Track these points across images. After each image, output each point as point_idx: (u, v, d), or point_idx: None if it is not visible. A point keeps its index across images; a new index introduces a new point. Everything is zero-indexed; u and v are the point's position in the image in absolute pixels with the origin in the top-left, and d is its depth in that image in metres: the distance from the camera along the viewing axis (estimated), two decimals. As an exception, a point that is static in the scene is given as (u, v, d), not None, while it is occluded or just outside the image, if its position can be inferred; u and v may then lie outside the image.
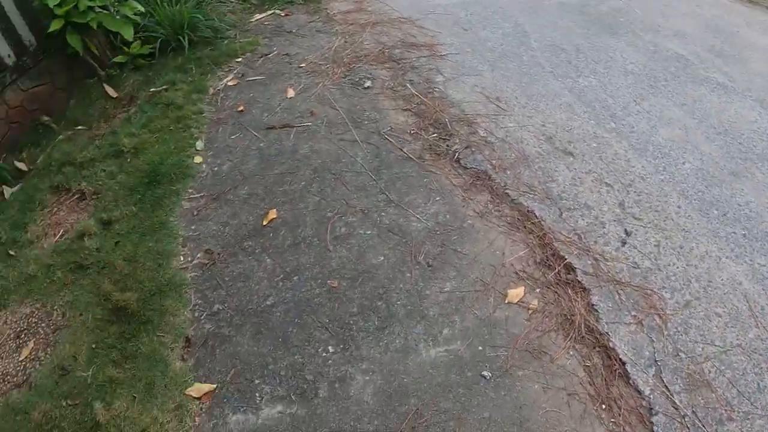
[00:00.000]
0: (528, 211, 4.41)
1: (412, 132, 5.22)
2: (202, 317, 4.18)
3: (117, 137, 5.69)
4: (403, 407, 3.47)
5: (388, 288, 4.05)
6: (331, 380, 3.68)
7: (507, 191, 4.56)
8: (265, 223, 4.64)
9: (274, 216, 4.66)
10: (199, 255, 4.53)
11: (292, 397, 3.64)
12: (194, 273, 4.42)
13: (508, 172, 4.69)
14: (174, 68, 6.48)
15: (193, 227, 4.74)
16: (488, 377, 3.41)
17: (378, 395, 3.55)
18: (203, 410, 3.73)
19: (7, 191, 5.81)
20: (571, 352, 3.58)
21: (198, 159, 5.32)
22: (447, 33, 6.67)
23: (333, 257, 4.29)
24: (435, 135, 5.16)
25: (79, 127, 6.19)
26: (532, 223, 4.30)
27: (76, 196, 5.37)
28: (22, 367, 4.29)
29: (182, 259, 4.52)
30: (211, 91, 6.14)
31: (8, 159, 6.06)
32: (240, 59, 6.58)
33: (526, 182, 4.62)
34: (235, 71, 6.43)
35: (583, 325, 3.66)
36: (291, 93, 5.89)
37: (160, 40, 6.28)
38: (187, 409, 3.72)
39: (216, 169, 5.23)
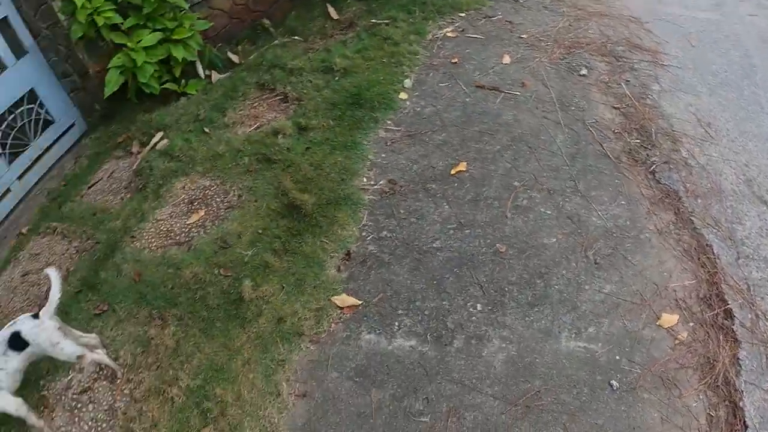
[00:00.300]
0: (707, 244, 4.06)
1: (615, 131, 4.94)
2: (368, 238, 4.14)
3: (330, 55, 5.75)
4: (526, 384, 3.34)
5: (550, 270, 3.87)
6: (469, 335, 3.58)
7: (692, 218, 4.22)
8: (453, 172, 4.53)
9: (463, 169, 4.54)
10: (381, 182, 4.49)
11: (428, 337, 3.59)
12: (372, 196, 4.39)
13: (699, 201, 4.34)
14: (398, 6, 6.49)
15: (383, 155, 4.71)
16: (615, 387, 3.25)
17: (507, 364, 3.43)
18: (341, 320, 3.75)
19: (216, 76, 6.05)
20: (701, 396, 3.28)
21: (403, 95, 5.28)
22: (673, 44, 6.25)
23: (508, 224, 4.13)
24: (637, 141, 4.86)
25: (296, 38, 6.33)
26: (708, 257, 3.96)
27: (279, 98, 5.49)
28: (187, 230, 4.45)
29: (365, 180, 4.51)
30: (429, 37, 6.09)
31: (223, 49, 6.29)
32: (463, 14, 6.49)
33: (714, 216, 4.26)
34: (456, 24, 6.33)
35: (721, 375, 3.33)
36: (507, 59, 5.72)
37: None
38: (327, 314, 3.77)
39: (418, 109, 5.17)
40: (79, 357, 3.49)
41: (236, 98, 5.60)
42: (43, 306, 3.42)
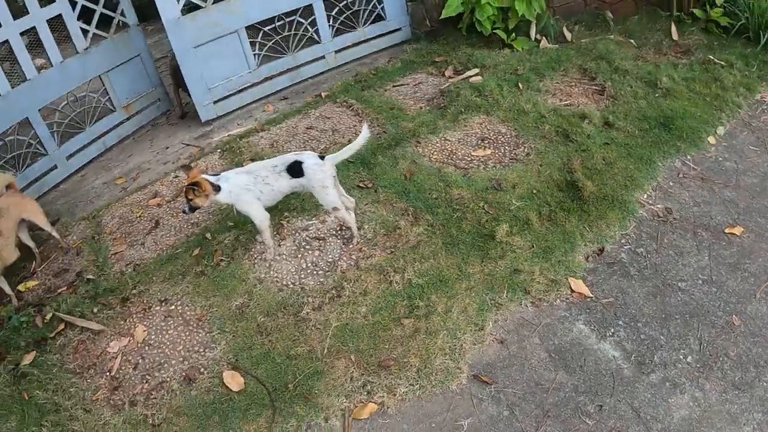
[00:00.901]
0: None
1: None
2: (625, 247, 4.20)
3: (657, 71, 5.75)
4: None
5: (771, 368, 3.64)
6: (667, 377, 3.45)
7: None
8: (727, 230, 4.38)
9: (738, 233, 4.29)
10: (659, 205, 4.50)
11: (633, 358, 3.54)
12: (645, 214, 4.42)
13: None
14: (739, 53, 6.18)
15: (671, 183, 4.70)
16: None
17: (684, 423, 3.20)
18: (567, 300, 3.86)
19: (544, 43, 6.29)
20: None
21: (712, 140, 5.17)
22: None
23: (753, 304, 3.69)
24: None
25: (631, 41, 6.37)
26: None
27: (596, 88, 5.61)
28: (468, 159, 4.81)
29: (645, 196, 4.54)
30: (758, 96, 5.86)
31: (559, 22, 6.50)
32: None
33: None
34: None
35: None
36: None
37: (740, 23, 6.07)
38: (557, 288, 3.90)
39: (720, 159, 5.06)
40: (335, 208, 3.96)
41: (556, 70, 5.79)
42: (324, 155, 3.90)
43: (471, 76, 5.73)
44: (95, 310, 4.14)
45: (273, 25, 6.24)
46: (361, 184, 4.62)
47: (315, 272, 4.05)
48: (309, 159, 3.83)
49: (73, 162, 6.23)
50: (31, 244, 4.82)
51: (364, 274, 3.91)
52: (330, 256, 4.12)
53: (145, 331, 3.93)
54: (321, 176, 3.82)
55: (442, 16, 6.11)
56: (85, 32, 6.09)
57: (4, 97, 5.53)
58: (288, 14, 6.24)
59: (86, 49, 6.07)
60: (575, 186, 4.40)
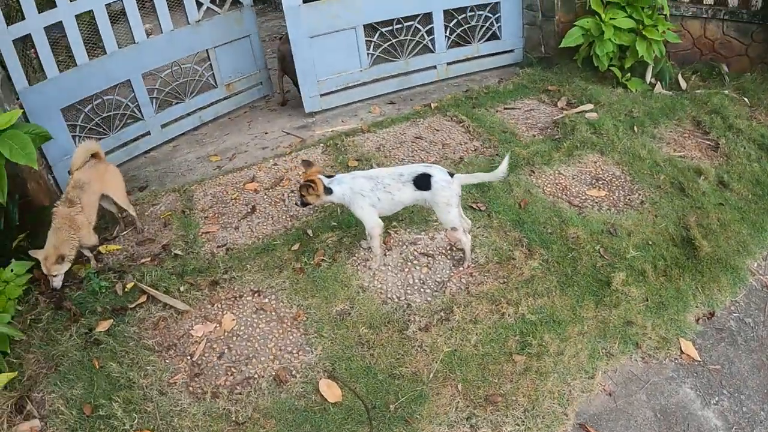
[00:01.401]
0: None
1: None
2: (734, 314, 4.10)
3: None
4: None
5: None
6: None
7: None
8: None
9: None
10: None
11: (734, 429, 3.44)
12: (755, 283, 4.32)
13: None
14: None
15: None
16: None
17: None
18: (676, 361, 3.75)
19: (658, 88, 6.20)
20: None
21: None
22: None
23: None
24: None
25: (744, 98, 6.22)
26: None
27: (709, 143, 5.50)
28: (583, 197, 4.79)
29: (755, 265, 4.44)
30: None
31: (674, 68, 6.40)
32: None
33: None
34: None
35: None
36: None
37: None
38: (667, 347, 3.79)
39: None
40: (453, 228, 3.89)
41: (671, 119, 5.69)
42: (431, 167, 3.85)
43: (586, 111, 5.64)
44: (181, 288, 4.10)
45: (391, 28, 6.20)
46: (473, 206, 4.56)
47: (422, 290, 3.99)
48: (438, 174, 3.76)
49: (168, 131, 6.26)
50: (113, 209, 4.78)
51: (475, 300, 3.85)
52: (438, 276, 4.06)
53: (234, 320, 3.87)
54: (447, 193, 3.76)
55: (562, 45, 6.04)
56: (199, 5, 6.06)
57: (110, 56, 5.56)
58: (407, 18, 6.21)
59: (198, 22, 6.08)
60: (691, 243, 4.30)
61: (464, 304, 3.84)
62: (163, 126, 6.27)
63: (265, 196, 4.98)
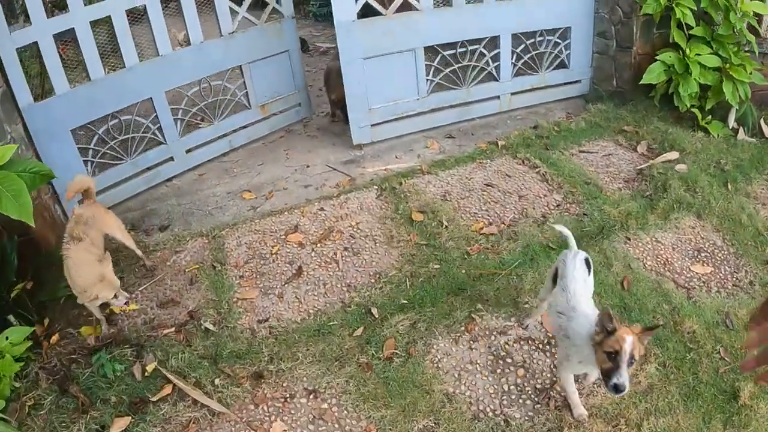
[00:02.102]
0: None
1: None
2: None
3: None
4: None
5: None
6: None
7: None
8: None
9: None
10: None
11: None
12: None
13: None
14: None
15: None
16: None
17: None
18: None
19: (741, 134, 5.57)
20: None
21: None
22: None
23: None
24: None
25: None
26: None
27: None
28: (687, 276, 4.09)
29: None
30: None
31: (757, 112, 5.72)
32: None
33: None
34: None
35: None
36: None
37: None
38: None
39: None
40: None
41: (761, 173, 5.05)
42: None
43: (670, 161, 4.97)
44: (216, 381, 3.32)
45: (453, 51, 5.46)
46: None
47: (520, 401, 3.29)
48: (583, 254, 3.17)
49: (193, 157, 5.56)
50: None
51: (589, 418, 3.14)
52: (538, 380, 3.37)
53: (286, 431, 3.10)
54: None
55: (643, 82, 5.36)
56: (233, 14, 5.29)
57: (130, 70, 4.82)
58: (472, 42, 5.46)
59: (231, 33, 5.31)
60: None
61: (575, 426, 3.13)
62: (188, 151, 5.55)
63: (312, 254, 4.26)
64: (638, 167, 5.07)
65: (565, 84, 6.11)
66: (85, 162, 4.95)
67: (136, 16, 5.37)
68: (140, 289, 4.08)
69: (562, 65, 6.02)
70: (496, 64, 5.72)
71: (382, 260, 4.18)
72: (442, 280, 3.96)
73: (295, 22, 5.87)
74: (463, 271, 4.01)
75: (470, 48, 5.55)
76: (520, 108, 6.07)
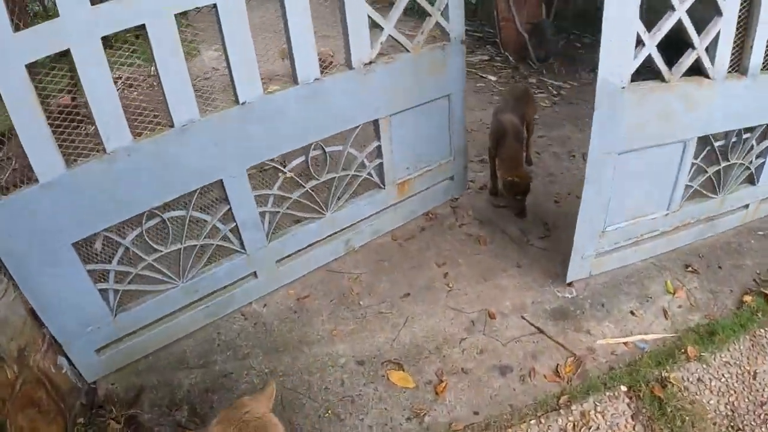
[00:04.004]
0: None
1: None
2: None
3: None
4: None
5: None
6: None
7: None
8: None
9: None
10: None
11: None
12: None
13: None
14: None
15: None
16: None
17: None
18: None
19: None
20: None
21: None
22: None
23: None
24: None
25: None
26: None
27: None
28: None
29: None
30: None
31: None
32: None
33: None
34: None
35: None
36: None
37: None
38: None
39: None
40: None
41: None
42: None
43: None
44: None
45: (724, 142, 3.39)
46: None
47: None
48: None
49: (286, 271, 3.25)
50: None
51: None
52: None
53: None
54: None
55: None
56: (372, 31, 3.02)
57: (179, 132, 2.43)
58: (748, 130, 3.41)
59: (368, 65, 2.93)
60: None
61: None
62: (279, 261, 3.13)
63: None
64: None
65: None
66: (103, 291, 2.73)
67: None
68: None
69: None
70: (760, 161, 3.69)
71: None
72: None
73: (464, 49, 3.44)
74: None
75: (744, 137, 3.49)
76: (759, 218, 4.11)
